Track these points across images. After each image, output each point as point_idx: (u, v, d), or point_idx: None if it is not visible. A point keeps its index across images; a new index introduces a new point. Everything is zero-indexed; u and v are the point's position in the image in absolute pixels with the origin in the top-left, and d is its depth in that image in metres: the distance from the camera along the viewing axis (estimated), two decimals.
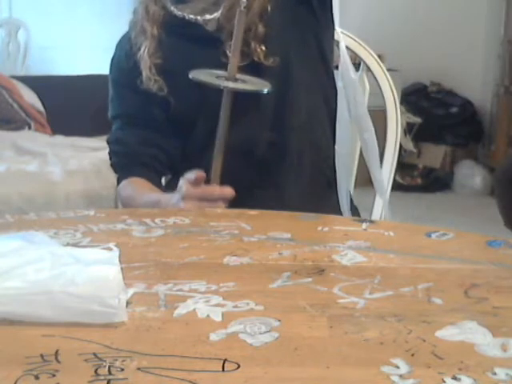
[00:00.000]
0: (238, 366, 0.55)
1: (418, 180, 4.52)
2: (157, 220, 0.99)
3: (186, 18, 1.21)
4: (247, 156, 1.23)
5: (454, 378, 0.53)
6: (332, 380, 0.54)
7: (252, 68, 1.18)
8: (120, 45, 1.31)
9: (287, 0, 1.23)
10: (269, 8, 1.19)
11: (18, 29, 4.36)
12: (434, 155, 4.60)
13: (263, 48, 1.17)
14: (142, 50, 1.22)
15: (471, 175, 4.42)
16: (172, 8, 1.22)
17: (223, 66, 1.17)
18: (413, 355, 0.57)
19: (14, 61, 4.32)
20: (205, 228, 0.96)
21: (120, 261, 0.68)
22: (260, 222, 0.99)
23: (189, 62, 1.18)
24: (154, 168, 1.28)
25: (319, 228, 0.96)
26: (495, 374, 0.54)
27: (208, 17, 1.20)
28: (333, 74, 1.30)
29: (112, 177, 2.58)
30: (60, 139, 3.05)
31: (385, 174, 1.36)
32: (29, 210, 2.15)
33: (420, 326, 0.63)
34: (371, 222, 1.02)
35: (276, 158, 1.24)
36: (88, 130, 2.97)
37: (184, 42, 1.23)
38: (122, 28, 1.31)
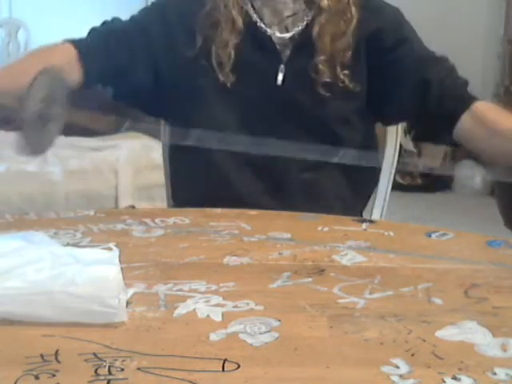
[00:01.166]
0: (238, 366, 0.55)
1: (418, 180, 4.51)
2: (157, 220, 0.99)
3: (261, 27, 1.17)
4: (261, 171, 1.19)
5: (454, 378, 0.53)
6: (332, 380, 0.54)
7: (334, 88, 1.17)
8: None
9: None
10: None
11: (18, 29, 4.36)
12: (434, 155, 4.59)
13: (346, 72, 1.16)
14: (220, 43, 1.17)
15: (471, 175, 4.41)
16: (254, 16, 1.17)
17: (268, 79, 1.16)
18: (413, 355, 0.57)
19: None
20: (205, 228, 0.96)
21: (120, 261, 0.68)
22: (260, 222, 0.99)
23: (242, 60, 1.16)
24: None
25: (319, 228, 0.96)
26: (495, 374, 0.54)
27: (278, 35, 1.17)
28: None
29: (112, 177, 2.59)
30: (60, 139, 3.04)
31: (385, 174, 1.36)
32: (29, 210, 2.15)
33: (420, 326, 0.63)
34: (371, 221, 1.02)
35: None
36: (88, 129, 2.96)
37: (246, 39, 1.18)
38: None
